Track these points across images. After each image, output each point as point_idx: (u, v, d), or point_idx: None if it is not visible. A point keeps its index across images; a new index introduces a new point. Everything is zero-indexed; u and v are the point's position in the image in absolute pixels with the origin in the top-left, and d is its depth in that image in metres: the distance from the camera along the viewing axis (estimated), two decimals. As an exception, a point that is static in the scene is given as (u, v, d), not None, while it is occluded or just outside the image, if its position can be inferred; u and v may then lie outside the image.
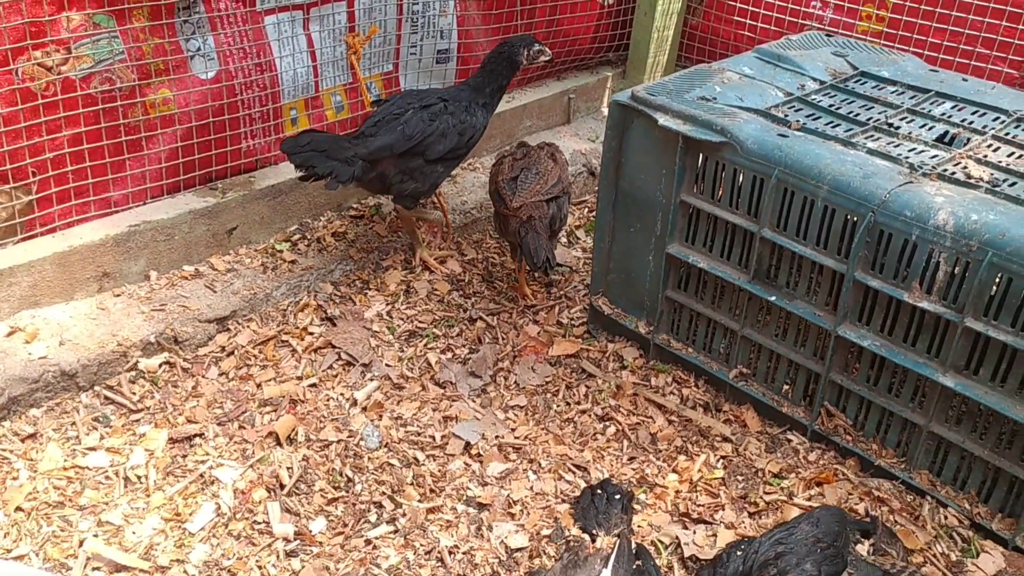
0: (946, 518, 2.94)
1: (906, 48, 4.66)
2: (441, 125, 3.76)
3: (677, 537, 2.91)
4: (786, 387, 3.37)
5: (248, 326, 3.68)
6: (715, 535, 2.92)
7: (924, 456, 3.03)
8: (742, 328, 3.37)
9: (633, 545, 2.79)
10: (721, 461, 3.24)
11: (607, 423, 3.46)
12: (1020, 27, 4.44)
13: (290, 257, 4.01)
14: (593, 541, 2.81)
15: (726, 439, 3.34)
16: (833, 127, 3.29)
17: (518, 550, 2.91)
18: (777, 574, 2.47)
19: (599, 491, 3.01)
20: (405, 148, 3.70)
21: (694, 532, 2.93)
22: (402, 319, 3.88)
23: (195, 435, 3.19)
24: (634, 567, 2.68)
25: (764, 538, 2.60)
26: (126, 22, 3.48)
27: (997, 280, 2.67)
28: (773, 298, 3.21)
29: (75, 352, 3.30)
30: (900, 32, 4.75)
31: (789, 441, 3.31)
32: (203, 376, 3.46)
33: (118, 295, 3.63)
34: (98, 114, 3.51)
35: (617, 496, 2.98)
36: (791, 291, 3.19)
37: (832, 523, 2.63)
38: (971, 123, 3.37)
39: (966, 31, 4.57)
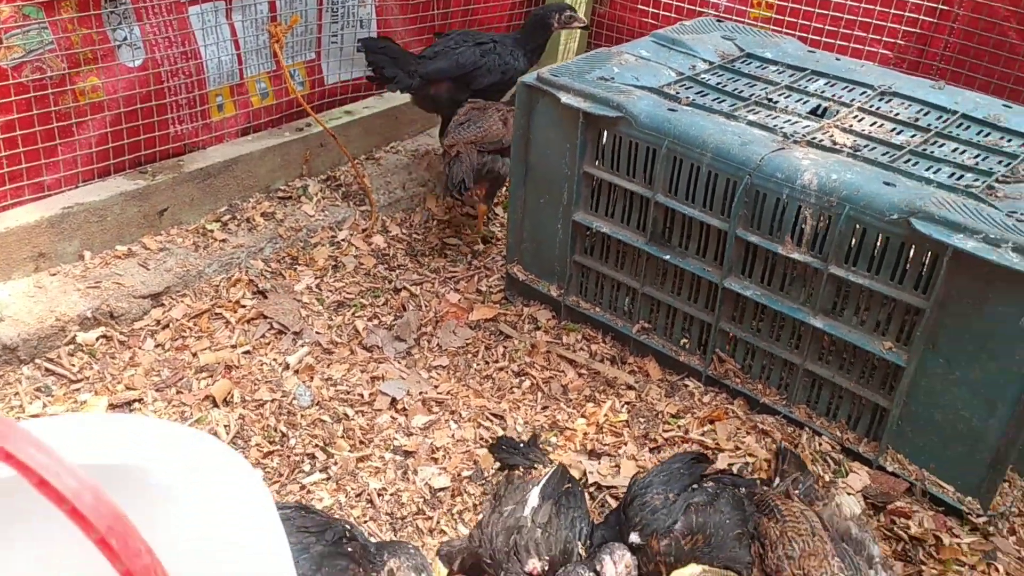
0: (820, 445, 3.32)
1: (792, 32, 5.07)
2: (489, 61, 4.55)
3: (584, 469, 3.23)
4: (683, 339, 3.71)
5: (182, 301, 3.88)
6: (618, 466, 3.25)
7: (802, 392, 3.40)
8: (642, 286, 3.71)
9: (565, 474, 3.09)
10: (625, 406, 3.57)
11: (522, 378, 3.76)
12: (892, 11, 4.88)
13: (221, 236, 4.22)
14: (529, 471, 3.09)
15: (630, 387, 3.67)
16: (719, 103, 3.64)
17: (441, 490, 3.20)
18: (630, 498, 2.83)
19: (510, 440, 3.29)
20: (457, 74, 4.50)
21: (599, 463, 3.26)
22: (330, 291, 4.12)
23: (134, 400, 3.39)
24: (564, 489, 2.97)
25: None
26: (55, 13, 3.65)
27: (855, 231, 3.05)
28: (668, 257, 3.54)
29: (15, 327, 3.47)
30: (787, 18, 5.16)
31: (686, 386, 3.66)
32: (140, 348, 3.65)
33: (54, 274, 3.79)
34: (30, 101, 3.66)
35: (522, 444, 3.27)
36: (683, 250, 3.53)
37: (687, 460, 2.97)
38: (841, 97, 3.76)
39: (845, 16, 5.00)
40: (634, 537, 2.76)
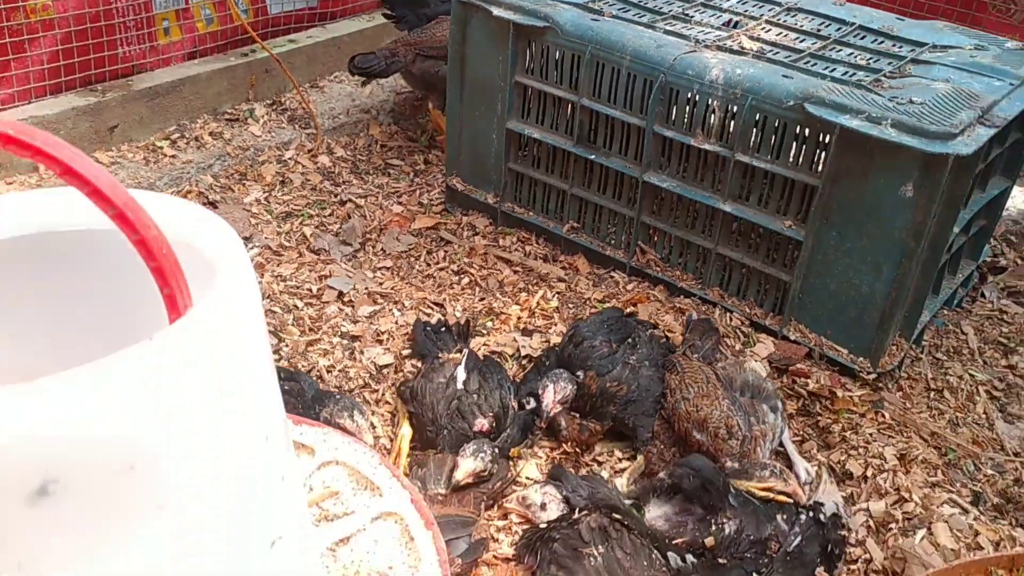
0: (731, 320, 3.66)
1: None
2: None
3: (518, 344, 3.52)
4: (611, 234, 4.01)
5: (135, 210, 4.07)
6: (548, 341, 3.55)
7: (715, 275, 3.73)
8: (571, 188, 4.00)
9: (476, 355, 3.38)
10: (556, 295, 3.87)
11: (462, 276, 4.04)
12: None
13: (170, 152, 4.40)
14: (444, 353, 3.37)
15: (561, 280, 3.97)
16: (639, 16, 3.92)
17: (385, 367, 3.46)
18: (578, 340, 3.15)
19: (429, 327, 3.56)
20: None
21: (531, 339, 3.56)
22: (279, 203, 4.34)
23: (94, 294, 3.58)
24: (482, 362, 3.27)
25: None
26: (3, -72, 3.79)
27: (757, 120, 3.37)
28: (593, 157, 3.84)
29: (-26, 229, 3.62)
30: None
31: (612, 278, 3.97)
32: (96, 251, 3.83)
33: (10, 183, 3.95)
34: (-19, 16, 3.81)
35: (443, 328, 3.54)
36: (607, 150, 3.82)
37: (615, 313, 3.32)
38: (750, 12, 4.07)
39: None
40: (579, 374, 3.09)
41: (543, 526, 2.65)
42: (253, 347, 1.50)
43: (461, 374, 3.20)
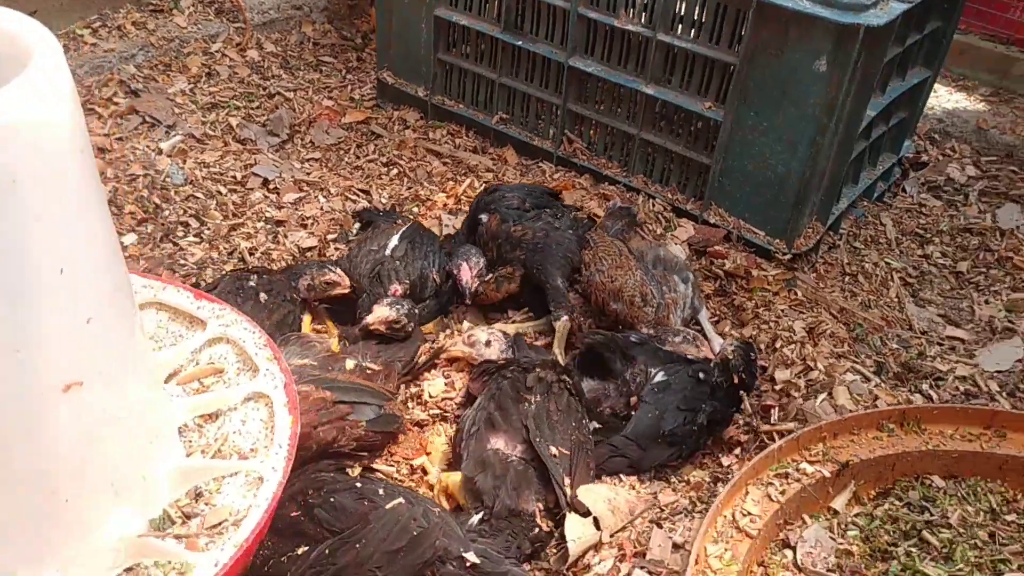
0: (654, 206, 3.70)
1: None
2: None
3: (443, 223, 3.54)
4: (539, 125, 4.01)
5: (55, 98, 3.97)
6: (472, 225, 3.57)
7: (640, 163, 3.76)
8: (499, 77, 3.98)
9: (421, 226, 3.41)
10: (483, 184, 3.88)
11: (391, 167, 4.02)
12: None
13: (91, 41, 4.29)
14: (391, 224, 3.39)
15: (489, 170, 3.98)
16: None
17: (309, 249, 3.46)
18: (491, 190, 3.23)
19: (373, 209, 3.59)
20: None
21: (456, 218, 3.58)
22: (204, 95, 4.26)
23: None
24: (420, 233, 3.29)
25: None
26: None
27: None
28: (520, 43, 3.81)
29: None
30: None
31: (540, 167, 3.99)
32: (13, 137, 3.75)
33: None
34: None
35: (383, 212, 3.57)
36: (533, 35, 3.80)
37: (541, 188, 3.38)
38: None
39: None
40: (483, 216, 3.12)
41: (500, 363, 2.71)
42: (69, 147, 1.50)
43: (393, 241, 3.22)
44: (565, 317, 3.03)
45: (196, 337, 2.20)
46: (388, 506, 2.05)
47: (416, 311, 2.94)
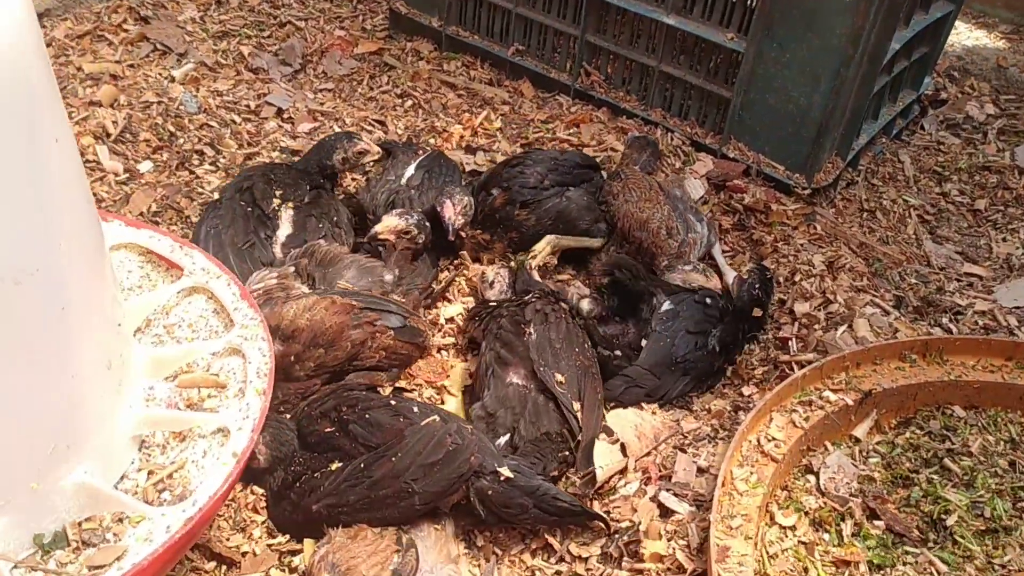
0: (673, 140, 3.66)
1: None
2: None
3: (462, 160, 3.51)
4: (556, 57, 3.95)
5: (62, 24, 3.90)
6: (492, 160, 3.54)
7: (658, 96, 3.72)
8: (516, 7, 3.91)
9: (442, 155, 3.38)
10: (500, 116, 3.84)
11: (405, 99, 3.97)
12: None
13: (99, -34, 4.19)
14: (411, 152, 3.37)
15: (505, 103, 3.93)
16: None
17: (326, 178, 3.43)
18: (513, 163, 3.16)
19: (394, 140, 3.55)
20: None
21: (475, 156, 3.54)
22: (215, 23, 4.19)
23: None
24: (439, 163, 3.26)
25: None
26: None
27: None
28: (538, -28, 3.74)
29: None
30: None
31: (557, 100, 3.94)
32: (23, 63, 3.69)
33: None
34: None
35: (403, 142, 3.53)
36: (553, -36, 3.73)
37: (573, 158, 3.30)
38: None
39: None
40: (495, 191, 3.09)
41: (492, 304, 2.71)
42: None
43: (410, 171, 3.20)
44: (552, 236, 3.04)
45: (171, 286, 2.13)
46: (423, 422, 2.06)
47: (427, 224, 2.91)
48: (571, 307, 2.78)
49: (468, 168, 3.50)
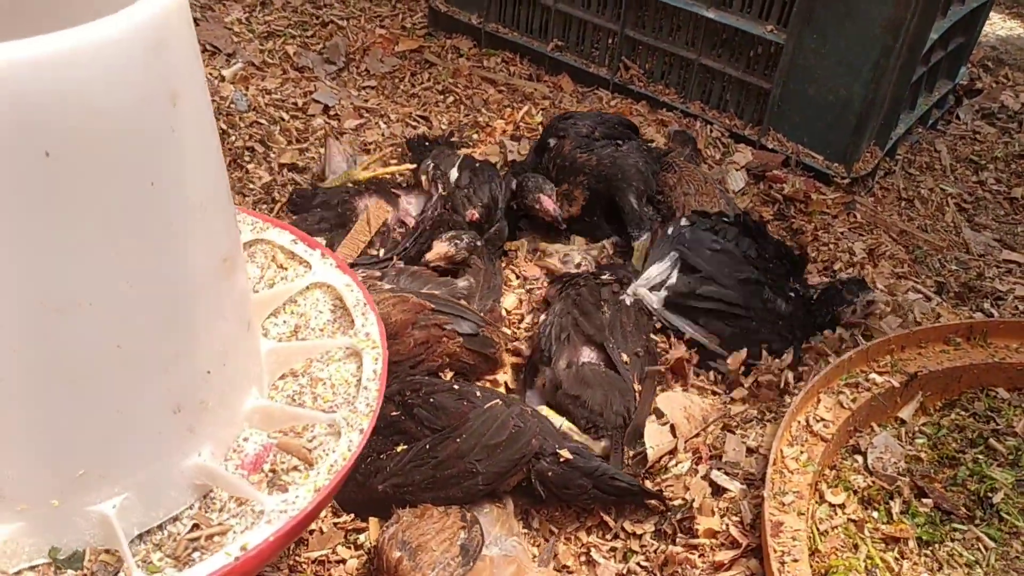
0: (712, 132, 3.72)
1: None
2: None
3: (506, 148, 3.59)
4: (595, 52, 4.02)
5: (115, 26, 4.02)
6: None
7: (697, 89, 3.78)
8: (555, 3, 3.98)
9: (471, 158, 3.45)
10: (541, 111, 3.91)
11: (447, 95, 4.06)
12: None
13: (148, -30, 4.31)
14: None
15: (546, 97, 4.01)
16: None
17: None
18: (564, 116, 3.27)
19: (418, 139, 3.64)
20: None
21: (518, 144, 3.62)
22: (260, 24, 4.29)
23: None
24: (475, 163, 3.34)
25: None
26: None
27: (743, -79, 3.35)
28: (578, -32, 3.81)
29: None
30: None
31: (596, 95, 4.01)
32: (78, 64, 3.81)
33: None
34: None
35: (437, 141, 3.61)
36: (592, -40, 3.80)
37: (617, 118, 3.39)
38: None
39: None
40: (551, 140, 3.18)
41: (573, 273, 2.84)
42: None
43: (454, 173, 3.28)
44: (646, 235, 3.08)
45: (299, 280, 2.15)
46: (486, 405, 2.14)
47: (477, 243, 2.97)
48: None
49: (510, 157, 3.58)
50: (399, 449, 2.15)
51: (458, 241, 2.96)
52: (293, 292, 2.09)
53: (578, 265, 2.96)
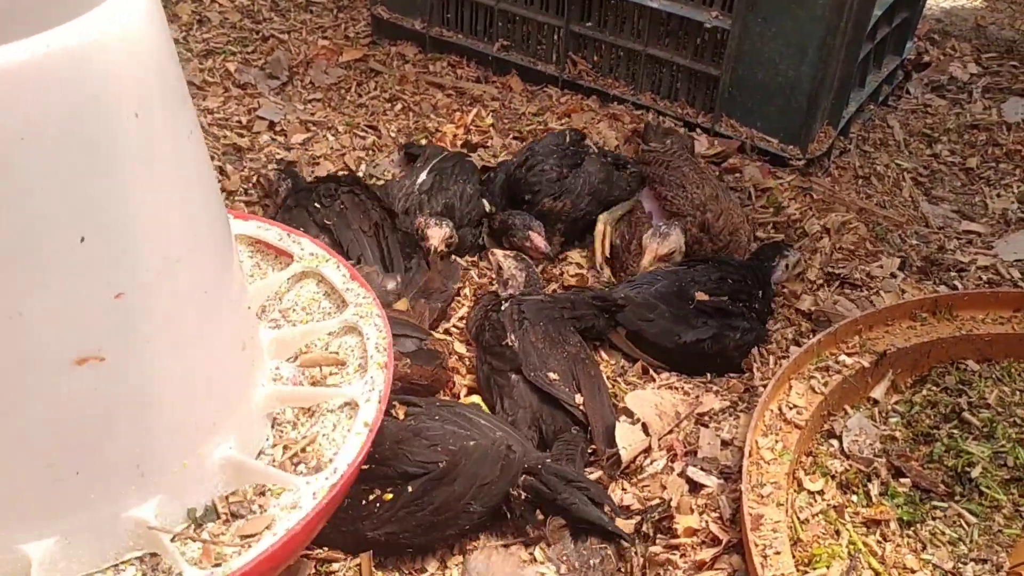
0: (665, 123, 3.69)
1: None
2: None
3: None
4: (541, 49, 3.97)
5: (47, 54, 3.90)
6: (495, 155, 3.56)
7: (647, 80, 3.74)
8: (498, 3, 3.92)
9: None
10: (491, 113, 3.85)
11: (395, 102, 3.99)
12: None
13: (78, -6, 4.19)
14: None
15: (495, 99, 3.95)
16: None
17: (324, 187, 3.44)
18: (529, 165, 3.15)
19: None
20: None
21: (476, 153, 3.56)
22: (198, 42, 4.20)
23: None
24: (449, 165, 3.28)
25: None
26: None
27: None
28: (518, -34, 3.76)
29: None
30: None
31: (546, 92, 3.96)
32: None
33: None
34: None
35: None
36: (532, -44, 3.74)
37: (575, 136, 3.32)
38: None
39: None
40: (547, 200, 3.10)
41: (477, 309, 2.78)
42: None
43: (422, 175, 3.22)
44: (603, 217, 3.08)
45: (281, 272, 2.31)
46: (471, 444, 2.08)
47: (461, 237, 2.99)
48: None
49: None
50: (387, 497, 2.07)
51: (444, 221, 2.94)
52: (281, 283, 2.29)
53: (505, 282, 2.80)
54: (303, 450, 1.90)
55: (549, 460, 2.18)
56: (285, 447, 1.90)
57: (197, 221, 1.64)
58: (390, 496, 2.07)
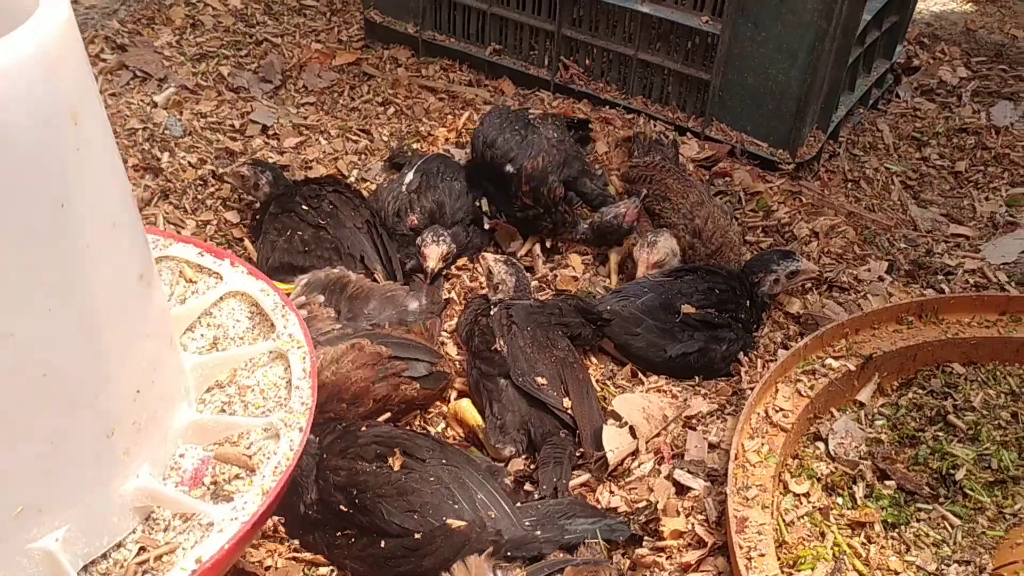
0: (655, 127, 3.71)
1: None
2: None
3: (454, 156, 3.55)
4: (533, 53, 3.99)
5: (41, 58, 3.91)
6: (478, 157, 3.57)
7: (638, 84, 3.76)
8: (490, 7, 3.94)
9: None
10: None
11: (387, 106, 4.00)
12: None
13: (72, -2, 4.20)
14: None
15: (487, 103, 3.96)
16: None
17: (316, 191, 3.45)
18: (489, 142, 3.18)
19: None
20: None
21: (464, 151, 3.58)
22: (191, 46, 4.20)
23: None
24: (436, 165, 3.29)
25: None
26: None
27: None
28: (510, -30, 3.78)
29: None
30: None
31: (538, 96, 3.98)
32: None
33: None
34: None
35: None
36: (523, -39, 3.76)
37: (504, 111, 3.34)
38: None
39: None
40: (509, 167, 3.11)
41: (467, 314, 2.79)
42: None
43: (410, 176, 3.24)
44: (615, 249, 3.15)
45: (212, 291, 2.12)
46: (454, 527, 2.03)
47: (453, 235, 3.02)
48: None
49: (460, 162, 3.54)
50: (363, 540, 2.09)
51: (440, 236, 2.94)
52: (207, 304, 2.08)
53: (495, 287, 2.85)
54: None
55: (540, 536, 2.12)
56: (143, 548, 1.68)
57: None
58: (365, 540, 2.08)
